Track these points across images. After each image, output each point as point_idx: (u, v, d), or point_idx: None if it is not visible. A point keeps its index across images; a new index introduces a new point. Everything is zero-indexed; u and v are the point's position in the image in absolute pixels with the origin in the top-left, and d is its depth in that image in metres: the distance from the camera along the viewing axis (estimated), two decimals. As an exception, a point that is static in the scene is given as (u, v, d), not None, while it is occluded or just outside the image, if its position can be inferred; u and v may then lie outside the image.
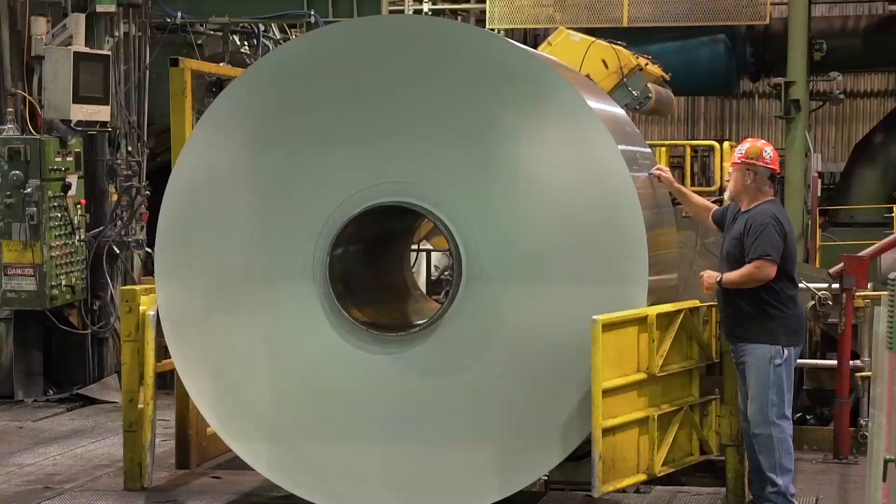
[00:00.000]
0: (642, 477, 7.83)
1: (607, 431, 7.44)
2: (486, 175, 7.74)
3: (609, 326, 7.40)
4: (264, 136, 8.06)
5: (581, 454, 8.43)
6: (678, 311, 7.97)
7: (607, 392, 7.42)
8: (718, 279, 7.92)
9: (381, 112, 7.87)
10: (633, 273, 7.64)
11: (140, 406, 8.63)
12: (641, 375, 7.73)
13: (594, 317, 7.35)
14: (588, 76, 10.68)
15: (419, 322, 8.15)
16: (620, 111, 9.30)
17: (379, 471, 7.92)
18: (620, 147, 7.73)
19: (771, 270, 7.78)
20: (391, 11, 17.30)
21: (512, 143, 7.72)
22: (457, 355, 7.79)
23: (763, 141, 8.26)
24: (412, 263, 11.75)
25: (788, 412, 7.99)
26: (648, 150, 9.03)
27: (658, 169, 8.58)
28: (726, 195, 8.20)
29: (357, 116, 7.90)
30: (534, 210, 7.69)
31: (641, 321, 7.68)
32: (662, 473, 7.97)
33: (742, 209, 8.05)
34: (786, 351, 7.90)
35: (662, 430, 7.88)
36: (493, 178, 7.73)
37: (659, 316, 7.77)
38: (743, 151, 8.06)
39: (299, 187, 7.98)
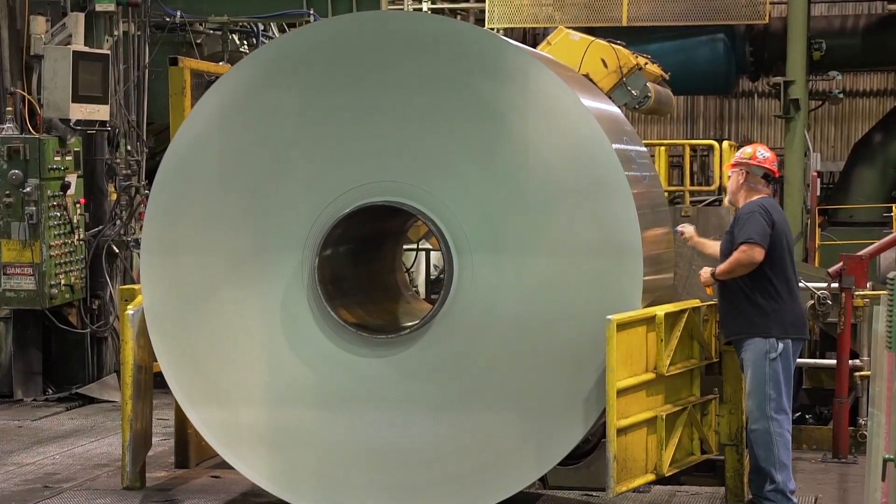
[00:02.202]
0: (651, 477, 7.82)
1: (620, 431, 7.43)
2: (476, 173, 7.68)
3: (621, 326, 7.39)
4: (251, 135, 8.00)
5: (579, 454, 8.43)
6: (683, 311, 7.99)
7: (620, 392, 7.41)
8: (712, 272, 7.98)
9: (370, 111, 7.80)
10: (628, 246, 7.57)
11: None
12: (650, 375, 7.73)
13: (609, 317, 7.33)
14: (587, 75, 10.67)
15: (409, 324, 8.11)
16: (616, 110, 9.28)
17: (368, 475, 7.85)
18: (616, 146, 7.70)
19: (757, 253, 7.82)
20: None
21: (503, 140, 7.67)
22: (449, 357, 7.74)
23: (762, 145, 8.40)
24: (412, 263, 11.75)
25: (787, 406, 8.00)
26: (644, 148, 9.03)
27: (682, 227, 8.62)
28: (726, 200, 8.31)
29: (344, 115, 7.83)
30: (527, 208, 7.65)
31: (650, 320, 7.69)
32: (670, 473, 7.97)
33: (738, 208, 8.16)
34: (781, 344, 7.92)
35: (669, 430, 7.88)
36: (484, 177, 7.68)
37: (666, 315, 7.78)
38: (739, 154, 8.26)
39: (288, 186, 7.91)
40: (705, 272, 8.06)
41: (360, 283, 8.68)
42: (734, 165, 8.21)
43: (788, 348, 7.97)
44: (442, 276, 11.89)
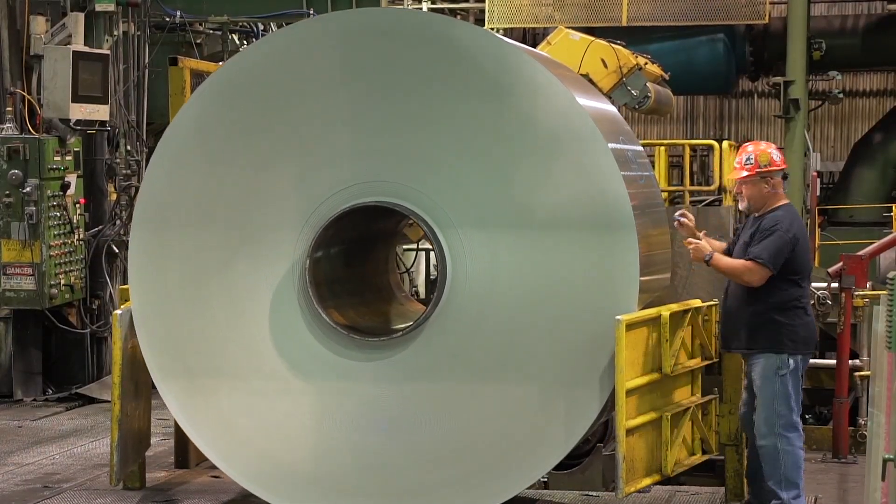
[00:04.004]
0: (657, 477, 7.80)
1: (628, 432, 7.41)
2: (469, 173, 7.64)
3: (629, 326, 7.37)
4: (242, 135, 7.95)
5: (577, 455, 8.42)
6: (686, 311, 7.98)
7: (629, 392, 7.39)
8: (707, 258, 7.74)
9: (362, 110, 7.76)
10: (622, 232, 7.52)
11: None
12: (655, 375, 7.72)
13: (618, 317, 7.31)
14: (587, 75, 10.67)
15: (402, 326, 8.06)
16: (613, 110, 9.26)
17: (364, 478, 7.81)
18: (612, 146, 7.66)
19: (760, 274, 7.61)
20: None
21: (497, 140, 7.62)
22: (445, 357, 7.69)
23: (763, 143, 8.11)
24: (411, 263, 11.73)
25: (797, 422, 7.78)
26: (641, 148, 9.01)
27: (683, 216, 8.14)
28: (741, 206, 7.94)
29: (337, 115, 7.79)
30: (522, 209, 7.61)
31: (655, 321, 7.68)
32: (675, 473, 7.96)
33: (756, 215, 7.86)
34: (792, 360, 7.71)
35: (673, 431, 7.86)
36: (478, 177, 7.63)
37: (671, 315, 7.76)
38: (752, 161, 7.80)
39: (280, 186, 7.86)
40: (698, 250, 7.76)
41: (353, 285, 8.64)
42: (754, 176, 7.76)
43: (798, 364, 7.76)
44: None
